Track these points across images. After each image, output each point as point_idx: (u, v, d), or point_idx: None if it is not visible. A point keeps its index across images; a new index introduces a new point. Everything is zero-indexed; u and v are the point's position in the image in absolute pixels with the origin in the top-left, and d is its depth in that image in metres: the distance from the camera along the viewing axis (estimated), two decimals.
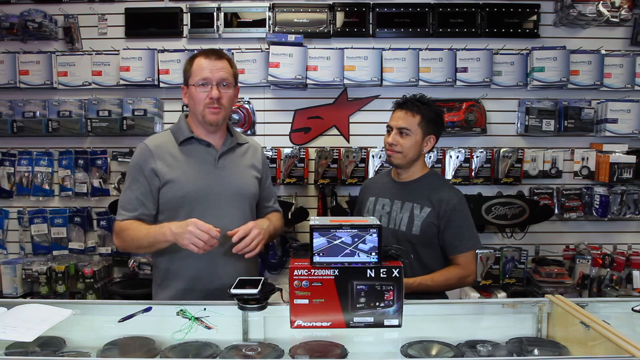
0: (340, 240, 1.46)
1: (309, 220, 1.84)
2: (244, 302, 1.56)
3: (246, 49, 3.21)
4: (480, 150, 3.19)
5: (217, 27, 3.20)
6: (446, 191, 2.09)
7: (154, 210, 1.88)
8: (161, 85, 3.18)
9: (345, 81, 3.15)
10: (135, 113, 3.16)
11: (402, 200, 2.10)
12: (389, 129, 2.11)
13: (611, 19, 3.07)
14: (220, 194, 1.87)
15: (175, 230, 1.70)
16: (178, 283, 1.87)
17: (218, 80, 1.84)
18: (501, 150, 3.18)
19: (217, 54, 1.89)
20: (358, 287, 1.44)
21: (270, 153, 3.17)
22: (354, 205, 2.52)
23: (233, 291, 1.55)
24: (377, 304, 1.44)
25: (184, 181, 1.85)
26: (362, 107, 3.28)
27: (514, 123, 3.26)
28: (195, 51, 3.09)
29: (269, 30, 3.20)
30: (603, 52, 3.20)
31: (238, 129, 3.21)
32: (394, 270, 1.45)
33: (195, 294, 1.83)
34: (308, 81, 3.15)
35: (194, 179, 1.86)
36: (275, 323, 1.59)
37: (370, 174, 3.15)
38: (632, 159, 3.09)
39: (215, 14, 3.19)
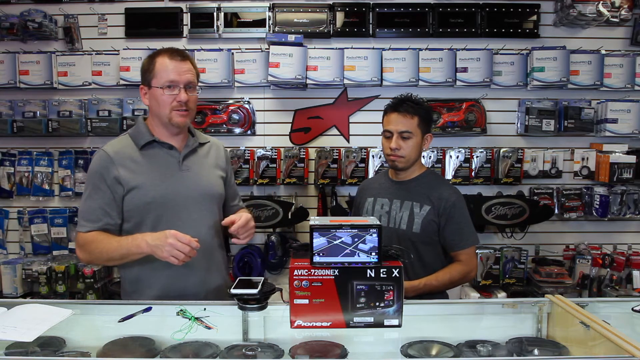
0: (340, 240, 1.46)
1: (309, 220, 1.84)
2: (244, 302, 1.55)
3: (246, 49, 3.21)
4: (480, 150, 3.19)
5: (217, 27, 3.20)
6: (445, 189, 2.10)
7: (119, 219, 1.79)
8: None
9: (345, 81, 3.15)
10: (135, 113, 3.17)
11: (401, 199, 2.11)
12: (389, 134, 2.08)
13: (611, 19, 3.07)
14: (187, 197, 1.82)
15: (152, 242, 1.63)
16: (150, 292, 1.81)
17: (185, 83, 1.78)
18: (501, 150, 3.18)
19: (182, 55, 1.81)
20: (358, 287, 1.44)
21: (270, 153, 3.17)
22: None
23: (233, 291, 1.54)
24: (377, 304, 1.44)
25: (149, 186, 1.77)
26: (362, 107, 3.28)
27: (514, 123, 3.26)
28: (195, 51, 3.15)
29: (269, 30, 3.20)
30: (603, 52, 3.20)
31: (238, 129, 3.23)
32: (394, 270, 1.45)
33: (163, 298, 1.77)
34: (308, 81, 3.15)
35: (160, 183, 1.79)
36: (275, 323, 1.59)
37: (371, 174, 3.15)
38: (632, 159, 3.09)
39: (215, 14, 3.19)
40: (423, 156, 3.14)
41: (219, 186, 1.94)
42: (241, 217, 1.78)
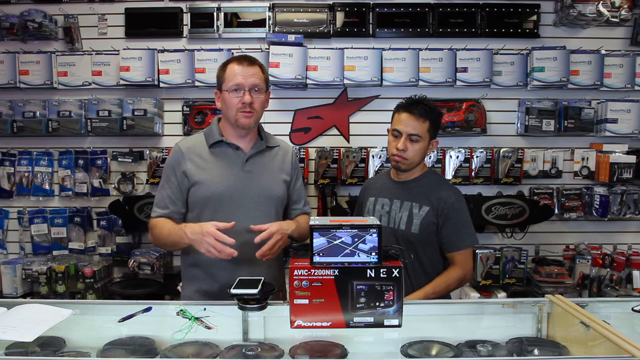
0: (340, 240, 1.46)
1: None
2: (244, 302, 1.55)
3: (246, 49, 3.20)
4: (480, 150, 3.19)
5: (217, 27, 3.20)
6: (445, 190, 2.09)
7: (183, 208, 1.96)
8: (161, 85, 3.17)
9: (345, 81, 3.15)
10: (135, 113, 3.16)
11: (401, 199, 2.11)
12: (397, 133, 2.05)
13: (611, 19, 3.07)
14: (245, 196, 1.92)
15: (191, 236, 1.75)
16: (202, 280, 1.95)
17: (250, 86, 1.90)
18: (501, 150, 3.17)
19: (249, 60, 1.94)
20: (358, 287, 1.44)
21: None
22: (354, 205, 2.52)
23: (233, 291, 1.54)
24: (377, 304, 1.44)
25: (210, 182, 1.91)
26: (362, 107, 3.28)
27: (514, 123, 3.26)
28: (195, 51, 3.15)
29: (269, 30, 3.20)
30: (603, 52, 3.20)
31: None
32: (394, 270, 1.44)
33: (217, 290, 1.87)
34: (308, 81, 3.15)
35: (220, 180, 1.92)
36: (275, 323, 1.59)
37: (370, 174, 3.15)
38: (632, 159, 3.09)
39: (215, 14, 3.19)
40: None
41: (279, 189, 2.02)
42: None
